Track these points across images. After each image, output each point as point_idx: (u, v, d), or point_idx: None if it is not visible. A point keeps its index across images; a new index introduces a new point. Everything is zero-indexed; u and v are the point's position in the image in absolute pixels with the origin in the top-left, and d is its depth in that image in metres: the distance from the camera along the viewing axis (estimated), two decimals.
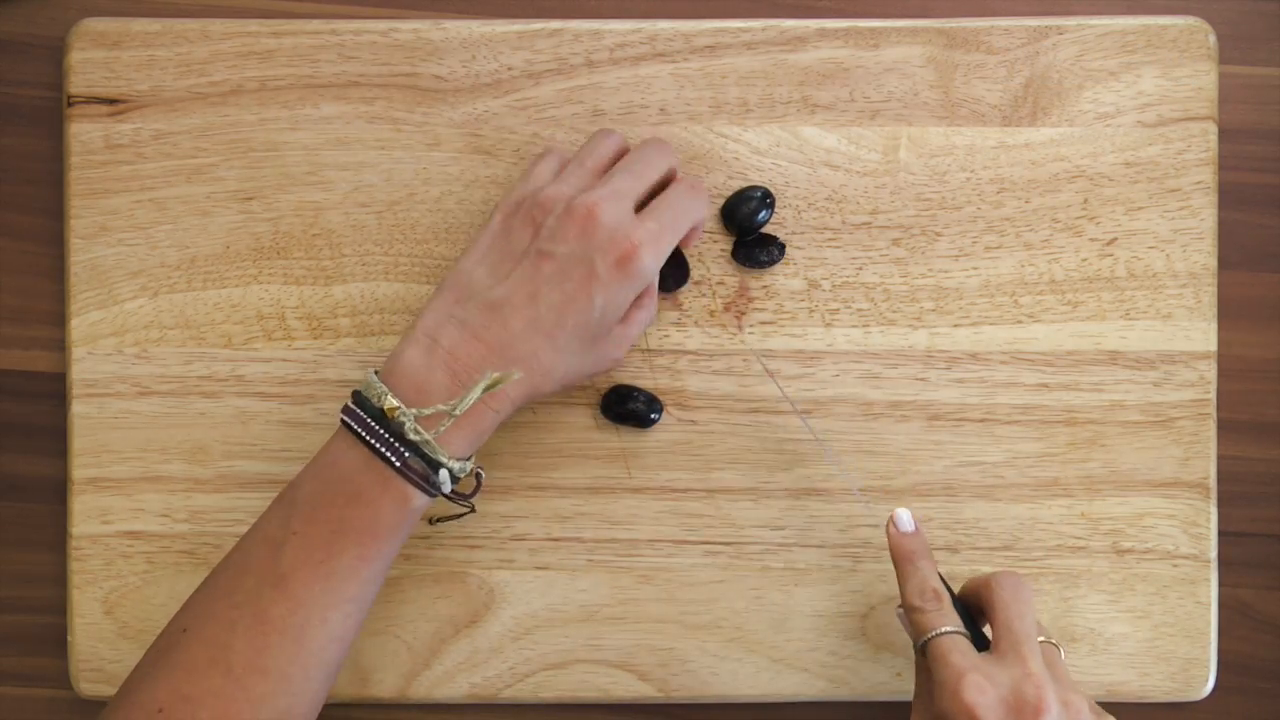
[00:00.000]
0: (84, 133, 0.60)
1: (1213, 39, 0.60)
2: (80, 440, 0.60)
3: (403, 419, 0.51)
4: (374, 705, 0.61)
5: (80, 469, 0.60)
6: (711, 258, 0.61)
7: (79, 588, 0.60)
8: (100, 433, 0.60)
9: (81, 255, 0.60)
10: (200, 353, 0.60)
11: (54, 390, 0.61)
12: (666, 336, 0.61)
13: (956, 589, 0.55)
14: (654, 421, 0.60)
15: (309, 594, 0.51)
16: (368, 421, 0.51)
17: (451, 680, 0.61)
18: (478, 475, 0.56)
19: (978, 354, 0.61)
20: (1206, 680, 0.61)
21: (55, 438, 0.61)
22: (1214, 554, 0.61)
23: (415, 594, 0.60)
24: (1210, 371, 0.61)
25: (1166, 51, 0.60)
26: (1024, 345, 0.61)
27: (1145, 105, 0.60)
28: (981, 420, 0.61)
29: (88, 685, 0.60)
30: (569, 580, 0.61)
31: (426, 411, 0.51)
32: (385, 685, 0.60)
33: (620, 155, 0.57)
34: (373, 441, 0.51)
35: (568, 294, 0.52)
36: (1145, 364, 0.61)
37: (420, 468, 0.51)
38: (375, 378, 0.52)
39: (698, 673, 0.61)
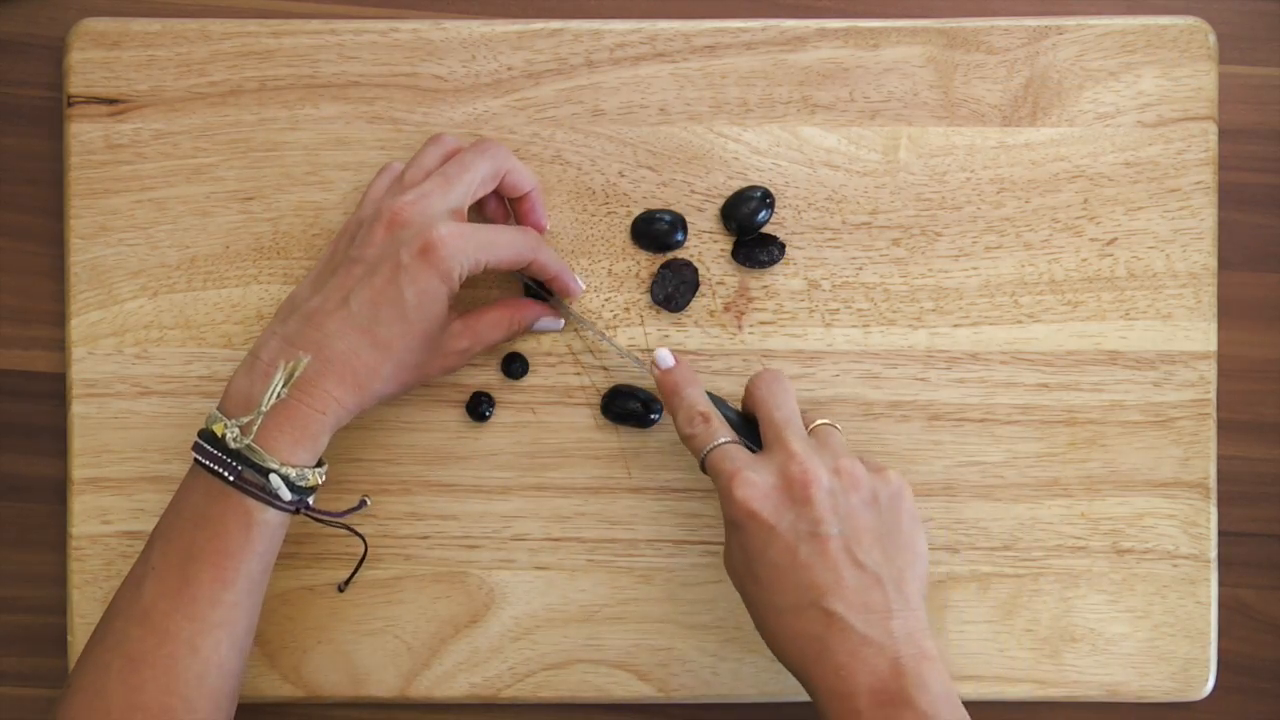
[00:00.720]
0: (84, 133, 0.60)
1: (1213, 39, 0.60)
2: (80, 440, 0.60)
3: (225, 432, 0.51)
4: (374, 705, 0.61)
5: (80, 469, 0.60)
6: (711, 258, 0.61)
7: (79, 588, 0.60)
8: (100, 433, 0.60)
9: (81, 255, 0.60)
10: (200, 353, 0.60)
11: (54, 390, 0.61)
12: (666, 336, 0.61)
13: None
14: (654, 421, 0.60)
15: (172, 624, 0.51)
16: (204, 446, 0.52)
17: (451, 680, 0.61)
18: (363, 502, 0.56)
19: (978, 354, 0.61)
20: (1206, 680, 0.61)
21: (55, 438, 0.61)
22: (1214, 554, 0.61)
23: (415, 594, 0.60)
24: (1210, 371, 0.61)
25: (1166, 51, 0.60)
26: (1024, 345, 0.61)
27: (1145, 105, 0.60)
28: (981, 420, 0.61)
29: None
30: (569, 580, 0.61)
31: (244, 419, 0.51)
32: (385, 685, 0.60)
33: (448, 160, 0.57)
34: (206, 462, 0.52)
35: (376, 289, 0.53)
36: (1145, 364, 0.61)
37: (254, 478, 0.51)
38: (215, 409, 0.53)
39: (698, 673, 0.61)
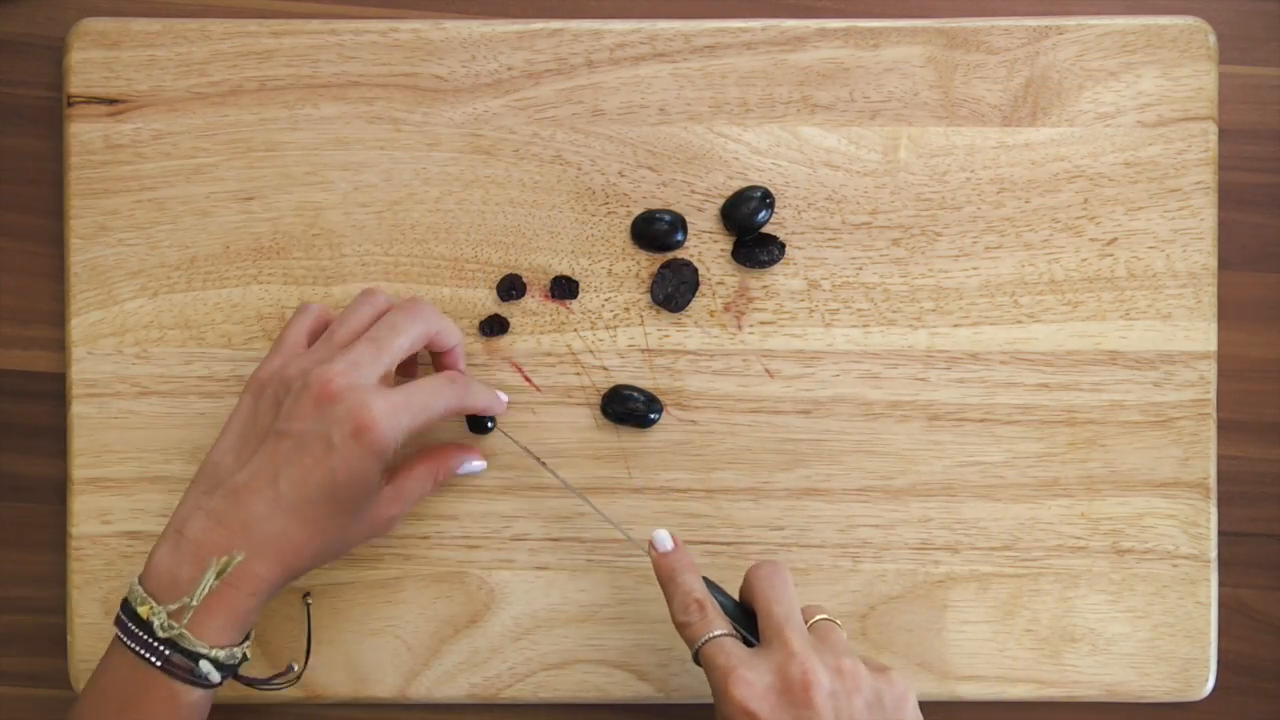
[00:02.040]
0: (84, 133, 0.60)
1: (1213, 39, 0.60)
2: (80, 440, 0.60)
3: (153, 617, 0.51)
4: (374, 705, 0.61)
5: (80, 469, 0.60)
6: (711, 258, 0.61)
7: (79, 588, 0.60)
8: (100, 433, 0.60)
9: (81, 255, 0.60)
10: (200, 353, 0.60)
11: (54, 390, 0.61)
12: (666, 337, 0.61)
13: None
14: (654, 421, 0.60)
15: None
16: (128, 626, 0.51)
17: (451, 680, 0.61)
18: (290, 668, 0.56)
19: (978, 354, 0.61)
20: (1206, 680, 0.61)
21: (55, 438, 0.61)
22: (1214, 554, 0.61)
23: (415, 594, 0.60)
24: (1210, 371, 0.61)
25: (1166, 51, 0.60)
26: (1024, 345, 0.61)
27: (1145, 105, 0.60)
28: (981, 420, 0.61)
29: None
30: (569, 580, 0.61)
31: (173, 606, 0.51)
32: (385, 685, 0.60)
33: (381, 317, 0.56)
34: (132, 645, 0.51)
35: (306, 469, 0.51)
36: (1145, 364, 0.61)
37: (182, 662, 0.51)
38: (136, 582, 0.52)
39: (697, 673, 0.60)
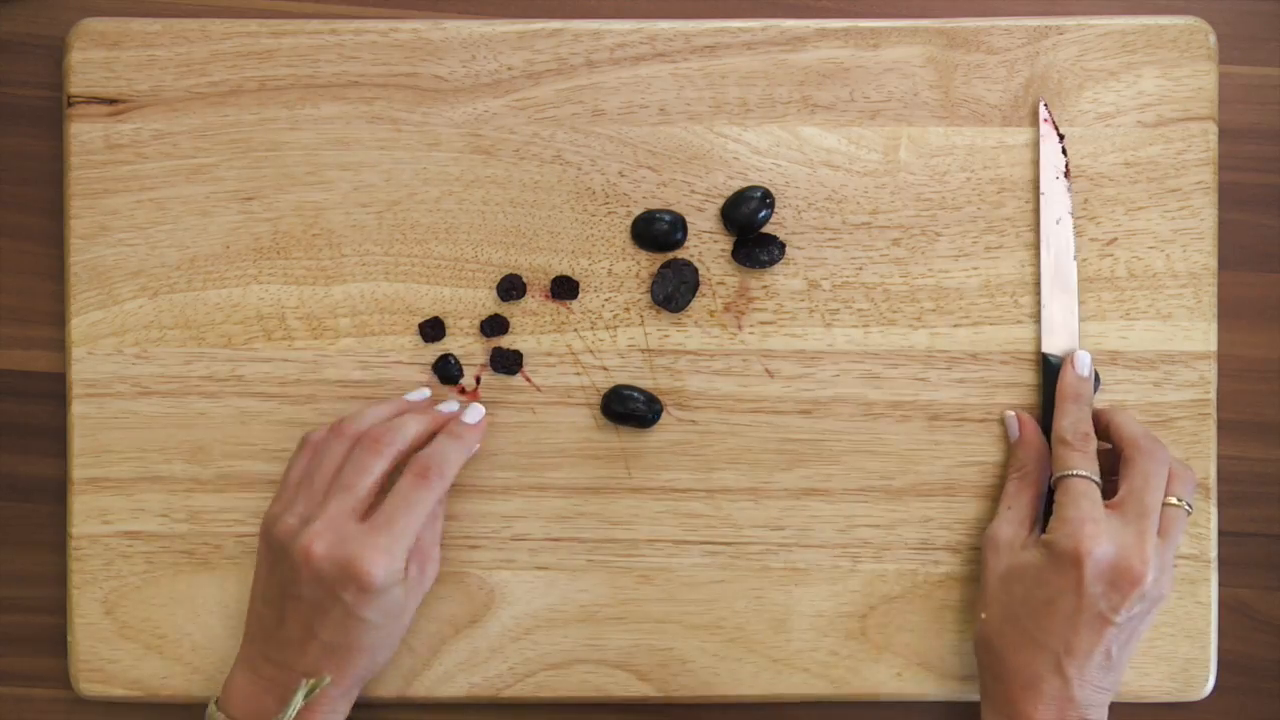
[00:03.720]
0: (84, 133, 0.60)
1: (1213, 39, 0.60)
2: (80, 440, 0.60)
3: None
4: (374, 705, 0.61)
5: (80, 469, 0.60)
6: (711, 258, 0.61)
7: (79, 588, 0.60)
8: (100, 433, 0.60)
9: (81, 255, 0.60)
10: (200, 353, 0.60)
11: (54, 390, 0.61)
12: (666, 337, 0.61)
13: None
14: (654, 421, 0.60)
15: None
16: None
17: (451, 680, 0.61)
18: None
19: (978, 354, 0.61)
20: (1206, 680, 0.61)
21: (55, 438, 0.61)
22: (1214, 554, 0.61)
23: None
24: (1210, 371, 0.61)
25: (1166, 51, 0.60)
26: (1024, 345, 0.61)
27: (1145, 105, 0.60)
28: (981, 420, 0.61)
29: (88, 685, 0.60)
30: (569, 580, 0.61)
31: None
32: (385, 685, 0.60)
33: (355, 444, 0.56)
34: None
35: (336, 622, 0.53)
36: (1145, 364, 0.61)
37: None
38: (214, 708, 0.55)
39: (698, 673, 0.61)
